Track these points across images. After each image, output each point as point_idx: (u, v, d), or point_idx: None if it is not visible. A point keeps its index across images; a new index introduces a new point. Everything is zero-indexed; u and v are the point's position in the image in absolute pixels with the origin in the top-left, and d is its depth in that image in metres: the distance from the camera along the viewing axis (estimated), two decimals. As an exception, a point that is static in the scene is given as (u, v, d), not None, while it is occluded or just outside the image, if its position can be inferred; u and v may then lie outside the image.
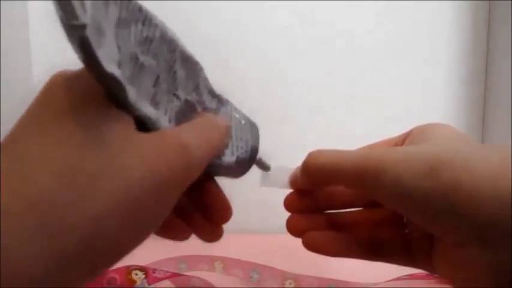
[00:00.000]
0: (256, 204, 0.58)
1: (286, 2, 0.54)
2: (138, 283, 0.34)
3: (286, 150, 0.58)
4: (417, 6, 0.55)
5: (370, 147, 0.24)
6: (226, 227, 0.62)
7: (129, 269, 0.35)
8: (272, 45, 0.55)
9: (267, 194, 0.57)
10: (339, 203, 0.24)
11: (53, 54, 0.56)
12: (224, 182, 0.62)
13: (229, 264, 0.44)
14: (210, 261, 0.44)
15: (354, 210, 0.24)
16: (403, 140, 0.23)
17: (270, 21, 0.55)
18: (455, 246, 0.17)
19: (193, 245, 0.50)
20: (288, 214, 0.24)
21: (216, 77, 0.24)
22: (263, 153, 0.25)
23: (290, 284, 0.41)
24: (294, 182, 0.24)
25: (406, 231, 0.23)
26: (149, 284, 0.35)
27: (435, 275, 0.41)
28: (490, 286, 0.16)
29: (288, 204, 0.24)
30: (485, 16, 0.55)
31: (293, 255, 0.49)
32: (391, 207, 0.19)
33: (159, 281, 0.35)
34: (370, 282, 0.39)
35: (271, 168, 0.25)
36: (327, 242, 0.22)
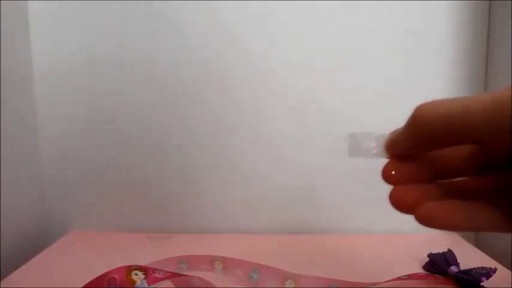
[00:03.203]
0: (258, 204, 0.58)
1: (281, 2, 0.54)
2: (138, 283, 0.34)
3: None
4: (417, 6, 0.55)
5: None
6: (226, 227, 0.63)
7: (129, 269, 0.35)
8: (273, 46, 0.55)
9: (269, 194, 0.57)
10: (448, 170, 0.20)
11: (53, 54, 0.56)
12: (225, 183, 0.62)
13: (229, 264, 0.44)
14: (210, 261, 0.44)
15: (467, 179, 0.20)
16: None
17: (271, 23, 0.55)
18: None
19: (193, 245, 0.51)
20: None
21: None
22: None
23: (290, 284, 0.41)
24: (392, 147, 0.20)
25: None
26: (149, 284, 0.34)
27: (435, 275, 0.41)
28: None
29: (388, 174, 0.20)
30: (485, 16, 0.55)
31: (293, 255, 0.49)
32: None
33: (159, 281, 0.35)
34: (370, 282, 0.39)
35: (359, 135, 0.21)
36: (451, 212, 0.18)
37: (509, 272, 0.43)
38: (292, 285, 0.41)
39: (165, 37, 0.55)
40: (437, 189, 0.20)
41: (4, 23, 0.48)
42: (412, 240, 0.52)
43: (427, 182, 0.20)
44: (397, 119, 0.21)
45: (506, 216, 0.18)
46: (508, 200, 0.18)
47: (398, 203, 0.19)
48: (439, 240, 0.52)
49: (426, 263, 0.44)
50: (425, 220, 0.18)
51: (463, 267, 0.40)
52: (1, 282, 0.41)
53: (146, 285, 0.35)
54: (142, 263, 0.37)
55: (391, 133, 0.20)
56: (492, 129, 0.16)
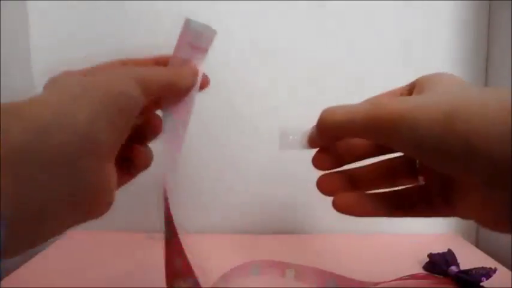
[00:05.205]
0: (257, 204, 0.58)
1: (279, 2, 0.54)
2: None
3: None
4: (417, 6, 0.55)
5: (376, 98, 0.26)
6: (226, 227, 0.62)
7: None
8: (269, 46, 0.55)
9: (269, 195, 0.57)
10: (358, 154, 0.26)
11: (53, 54, 0.56)
12: (224, 183, 0.61)
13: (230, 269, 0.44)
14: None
15: (373, 165, 0.26)
16: (409, 90, 0.24)
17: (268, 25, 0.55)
18: (473, 187, 0.19)
19: (193, 245, 0.50)
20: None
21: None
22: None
23: (290, 272, 0.41)
24: (312, 141, 0.25)
25: (423, 182, 0.24)
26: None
27: (435, 275, 0.41)
28: (507, 224, 0.18)
29: (316, 162, 0.26)
30: (485, 16, 0.55)
31: (293, 255, 0.49)
32: (407, 153, 0.20)
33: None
34: (371, 282, 0.39)
35: (288, 131, 0.26)
36: (355, 202, 0.25)
37: (509, 272, 0.43)
38: (293, 273, 0.41)
39: (166, 37, 0.55)
40: (351, 178, 0.26)
41: (4, 23, 0.48)
42: (412, 240, 0.52)
43: (342, 165, 0.26)
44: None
45: (388, 204, 0.24)
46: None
47: (322, 188, 0.26)
48: (439, 240, 0.52)
49: (426, 263, 0.44)
50: (338, 207, 0.25)
51: (463, 267, 0.40)
52: (1, 282, 0.41)
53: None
54: (142, 262, 0.37)
55: (311, 128, 0.25)
56: (368, 132, 0.21)
